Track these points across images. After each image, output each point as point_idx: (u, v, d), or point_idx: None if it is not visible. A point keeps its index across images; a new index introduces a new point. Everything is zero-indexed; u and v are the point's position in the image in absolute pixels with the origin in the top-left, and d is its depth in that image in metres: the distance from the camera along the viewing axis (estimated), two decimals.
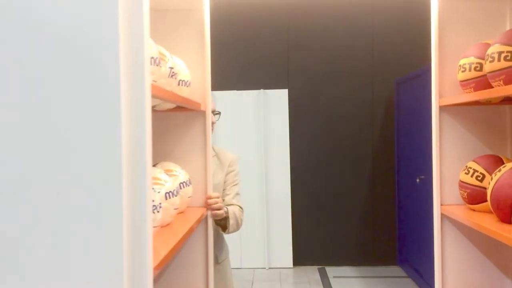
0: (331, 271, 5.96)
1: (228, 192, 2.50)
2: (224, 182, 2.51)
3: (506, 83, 1.85)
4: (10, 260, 1.13)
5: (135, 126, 1.17)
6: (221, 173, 2.51)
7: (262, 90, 6.24)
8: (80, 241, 1.12)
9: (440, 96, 2.39)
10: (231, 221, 2.34)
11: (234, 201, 2.48)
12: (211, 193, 2.16)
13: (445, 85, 2.38)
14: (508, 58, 1.84)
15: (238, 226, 2.43)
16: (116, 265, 1.12)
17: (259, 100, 6.23)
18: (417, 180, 5.03)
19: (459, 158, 2.36)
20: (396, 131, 5.97)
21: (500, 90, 1.87)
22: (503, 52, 1.86)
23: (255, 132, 6.24)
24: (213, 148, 2.47)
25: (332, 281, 5.60)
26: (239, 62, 6.31)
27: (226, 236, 2.67)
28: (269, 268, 6.21)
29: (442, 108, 2.40)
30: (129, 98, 1.16)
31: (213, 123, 2.42)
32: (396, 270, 5.64)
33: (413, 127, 5.26)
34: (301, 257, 6.23)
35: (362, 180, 6.17)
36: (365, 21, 6.12)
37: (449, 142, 2.40)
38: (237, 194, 2.53)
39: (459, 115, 2.39)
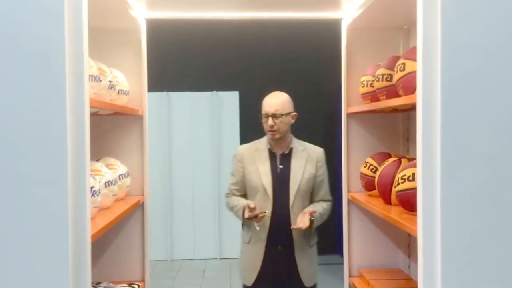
0: None
1: (320, 189, 2.72)
2: (316, 177, 2.69)
3: (388, 97, 2.31)
4: None
5: (77, 130, 1.53)
6: (311, 166, 2.67)
7: (215, 91, 6.61)
8: (34, 215, 1.45)
9: (348, 105, 2.86)
10: (316, 223, 2.60)
11: (326, 197, 2.74)
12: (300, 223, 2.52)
13: (352, 97, 2.85)
14: (388, 79, 2.29)
15: (323, 220, 2.69)
16: (62, 235, 1.46)
17: (212, 101, 6.60)
18: None
19: (362, 155, 2.83)
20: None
21: (382, 103, 2.34)
22: (385, 74, 2.32)
23: (208, 131, 6.61)
24: (300, 143, 2.73)
25: None
26: (193, 65, 6.66)
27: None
28: (220, 258, 6.58)
29: (349, 115, 2.87)
30: (72, 108, 1.51)
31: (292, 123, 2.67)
32: (335, 257, 6.12)
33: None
34: None
35: None
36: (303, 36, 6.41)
37: (354, 142, 2.88)
38: (327, 187, 2.76)
39: (362, 121, 2.88)
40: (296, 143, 2.70)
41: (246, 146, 2.79)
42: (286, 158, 2.65)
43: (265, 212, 2.55)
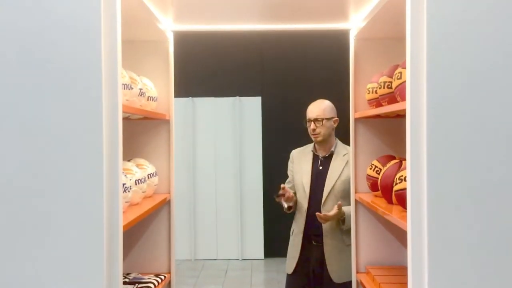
0: None
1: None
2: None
3: (389, 103, 2.51)
4: None
5: (112, 132, 1.77)
6: (350, 170, 2.92)
7: (237, 97, 6.87)
8: (74, 208, 1.67)
9: (355, 111, 3.06)
10: (348, 220, 2.85)
11: None
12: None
13: (359, 103, 3.05)
14: (389, 86, 2.49)
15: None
16: (98, 225, 1.66)
17: (234, 106, 6.86)
18: None
19: (369, 157, 3.03)
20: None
21: (383, 109, 2.53)
22: (386, 82, 2.52)
23: (231, 135, 6.87)
24: (345, 147, 3.04)
25: None
26: (216, 72, 6.93)
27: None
28: (242, 259, 6.80)
29: (356, 120, 3.07)
30: (107, 112, 1.75)
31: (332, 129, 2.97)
32: None
33: None
34: (271, 250, 6.82)
35: None
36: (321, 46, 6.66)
37: (362, 145, 3.07)
38: None
39: (369, 125, 3.07)
40: (339, 147, 2.97)
41: (298, 149, 3.16)
42: (327, 160, 2.94)
43: (283, 189, 2.91)
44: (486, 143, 1.64)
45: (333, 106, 2.97)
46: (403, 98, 2.16)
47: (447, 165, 1.64)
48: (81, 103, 1.67)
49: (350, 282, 2.90)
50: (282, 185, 2.95)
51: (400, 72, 2.21)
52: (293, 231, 3.10)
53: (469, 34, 1.65)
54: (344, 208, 2.87)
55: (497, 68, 1.64)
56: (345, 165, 2.88)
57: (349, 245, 2.89)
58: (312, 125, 2.88)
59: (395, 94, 2.27)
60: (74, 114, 1.66)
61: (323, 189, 2.93)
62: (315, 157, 2.97)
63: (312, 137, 2.92)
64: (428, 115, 1.67)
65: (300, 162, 3.02)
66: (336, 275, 2.88)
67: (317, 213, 2.82)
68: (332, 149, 2.93)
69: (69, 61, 1.64)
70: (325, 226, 2.89)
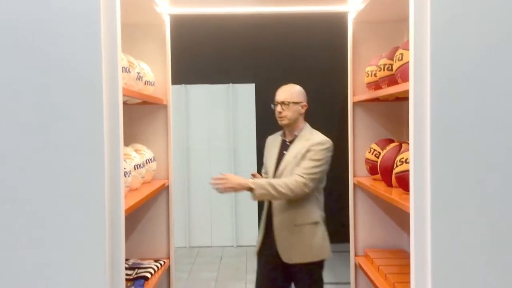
0: None
1: (299, 166, 2.73)
2: (303, 157, 2.74)
3: (389, 86, 2.50)
4: None
5: (112, 116, 1.74)
6: (305, 151, 2.75)
7: (231, 84, 6.83)
8: (76, 191, 1.66)
9: (354, 94, 3.05)
10: (258, 192, 2.63)
11: (298, 171, 2.70)
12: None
13: (358, 86, 3.04)
14: (389, 68, 2.48)
15: (279, 194, 2.65)
16: (100, 207, 1.64)
17: (228, 93, 6.83)
18: None
19: (367, 141, 3.03)
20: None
21: (382, 91, 2.52)
22: (386, 64, 2.51)
23: (224, 122, 6.84)
24: (311, 133, 2.83)
25: None
26: (210, 59, 6.88)
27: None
28: (237, 246, 6.81)
29: (355, 104, 3.07)
30: (107, 96, 1.73)
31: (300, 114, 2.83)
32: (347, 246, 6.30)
33: None
34: None
35: None
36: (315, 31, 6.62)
37: (360, 129, 3.08)
38: (307, 166, 2.70)
39: (367, 109, 3.07)
40: (304, 132, 2.86)
41: (272, 135, 3.08)
42: (291, 145, 2.87)
43: (254, 176, 2.90)
44: (491, 122, 1.62)
45: (303, 91, 2.88)
46: (404, 80, 2.15)
47: (451, 146, 1.62)
48: (81, 86, 1.64)
49: (305, 266, 2.79)
50: (252, 173, 2.95)
51: (402, 54, 2.19)
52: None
53: (474, 13, 1.63)
54: (261, 179, 2.73)
55: (504, 48, 1.62)
56: (305, 150, 2.75)
57: (300, 225, 2.77)
58: (279, 108, 2.83)
59: (396, 76, 2.26)
60: (74, 98, 1.63)
61: (283, 173, 2.82)
62: (283, 142, 2.92)
63: (278, 120, 2.86)
64: (432, 95, 1.65)
65: (270, 148, 3.00)
66: (286, 256, 2.78)
67: (213, 177, 2.72)
68: (296, 133, 2.89)
69: (69, 43, 1.62)
70: (275, 205, 2.83)
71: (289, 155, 2.81)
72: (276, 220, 2.82)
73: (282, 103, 2.82)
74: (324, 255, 2.82)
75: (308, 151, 2.74)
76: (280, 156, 2.87)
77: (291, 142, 2.87)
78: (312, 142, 2.77)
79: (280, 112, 2.83)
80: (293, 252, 2.78)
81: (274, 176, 2.84)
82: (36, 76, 1.62)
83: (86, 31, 1.62)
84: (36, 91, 1.62)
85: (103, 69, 1.66)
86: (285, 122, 2.84)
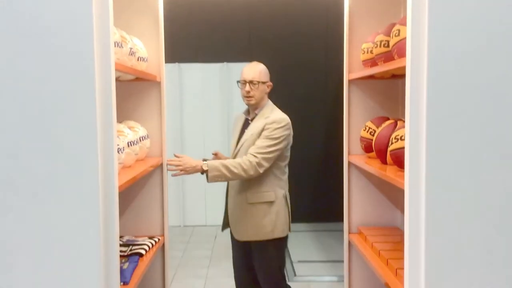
0: None
1: (253, 145, 2.69)
2: (257, 136, 2.70)
3: (386, 62, 2.48)
4: None
5: (105, 91, 1.72)
6: (262, 130, 2.70)
7: (225, 63, 6.77)
8: (69, 168, 1.64)
9: (350, 72, 3.03)
10: (211, 174, 2.59)
11: (252, 151, 2.64)
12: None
13: (353, 63, 3.01)
14: (386, 45, 2.45)
15: (233, 175, 2.61)
16: (93, 183, 1.62)
17: (222, 72, 6.78)
18: None
19: (362, 119, 3.02)
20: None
21: (378, 68, 2.50)
22: (383, 40, 2.48)
23: (219, 101, 6.80)
24: (273, 111, 2.76)
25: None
26: (204, 37, 6.80)
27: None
28: None
29: (350, 81, 3.04)
30: (100, 71, 1.69)
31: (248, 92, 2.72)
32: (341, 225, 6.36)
33: None
34: None
35: (313, 146, 6.81)
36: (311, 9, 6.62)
37: (355, 107, 3.06)
38: (261, 145, 2.65)
39: (363, 87, 3.05)
40: (265, 110, 2.79)
41: (238, 113, 3.03)
42: (252, 123, 2.81)
43: (216, 154, 2.90)
44: (488, 99, 1.60)
45: (267, 70, 2.83)
46: (401, 56, 2.13)
47: (447, 122, 1.60)
48: (72, 60, 1.61)
49: (258, 243, 2.76)
50: (213, 152, 2.90)
51: (398, 30, 2.17)
52: None
53: None
54: (215, 161, 2.67)
55: (504, 24, 1.59)
56: (261, 128, 2.69)
57: (252, 204, 2.73)
58: (247, 87, 2.73)
59: (393, 52, 2.24)
60: (65, 72, 1.60)
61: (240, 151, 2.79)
62: (246, 120, 2.87)
63: (245, 100, 2.77)
64: (429, 70, 1.62)
65: (235, 126, 2.98)
66: (237, 233, 2.79)
67: (168, 160, 2.61)
68: (257, 111, 2.83)
69: (59, 15, 1.57)
70: (231, 184, 2.80)
71: (248, 133, 2.75)
72: (231, 199, 2.82)
73: (251, 82, 2.73)
74: (278, 234, 2.74)
75: (263, 129, 2.67)
76: (241, 135, 2.82)
77: (252, 119, 2.83)
78: (268, 120, 2.69)
79: (248, 92, 2.74)
80: (242, 229, 2.76)
81: (235, 155, 2.79)
82: (26, 51, 1.57)
83: (77, 1, 1.57)
84: (26, 66, 1.58)
85: (94, 42, 1.62)
86: (252, 102, 2.75)
